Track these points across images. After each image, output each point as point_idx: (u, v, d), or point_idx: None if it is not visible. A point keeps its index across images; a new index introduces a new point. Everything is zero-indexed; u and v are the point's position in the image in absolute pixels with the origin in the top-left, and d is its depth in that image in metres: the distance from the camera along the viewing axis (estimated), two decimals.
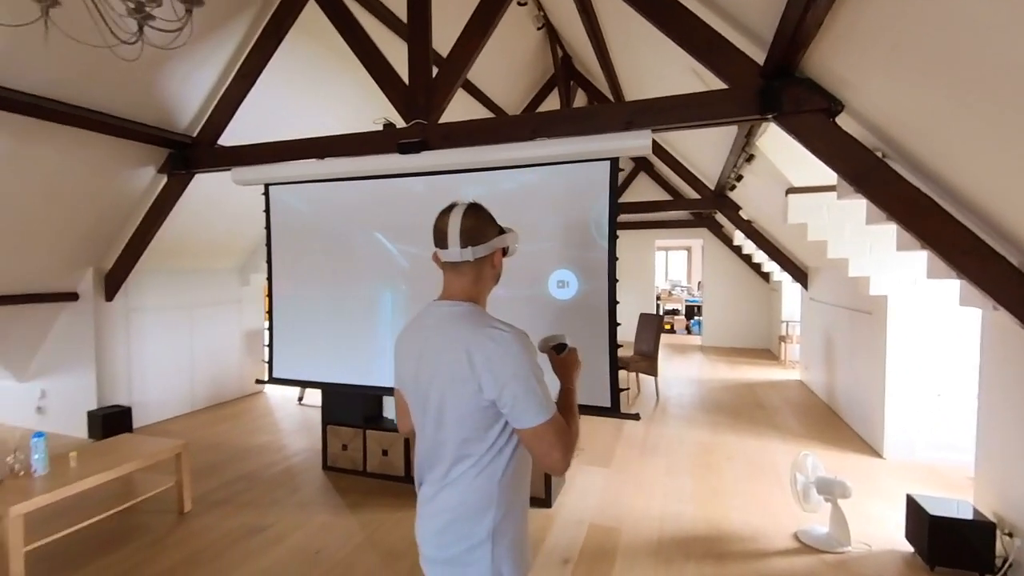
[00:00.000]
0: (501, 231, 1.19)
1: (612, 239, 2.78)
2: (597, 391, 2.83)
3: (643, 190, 9.18)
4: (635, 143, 2.71)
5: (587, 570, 2.47)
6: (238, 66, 3.66)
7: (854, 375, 4.49)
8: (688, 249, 13.71)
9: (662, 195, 9.04)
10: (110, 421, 4.15)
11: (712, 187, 6.32)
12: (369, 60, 3.28)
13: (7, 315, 4.04)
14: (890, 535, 2.73)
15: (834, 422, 4.68)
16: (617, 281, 2.80)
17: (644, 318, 5.92)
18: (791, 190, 3.86)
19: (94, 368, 4.27)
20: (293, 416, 5.01)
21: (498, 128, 3.02)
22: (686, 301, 11.22)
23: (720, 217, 7.60)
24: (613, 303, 2.80)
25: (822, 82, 2.31)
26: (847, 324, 4.70)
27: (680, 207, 7.54)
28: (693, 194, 7.10)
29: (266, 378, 3.63)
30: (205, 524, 2.91)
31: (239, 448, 4.11)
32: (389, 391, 3.24)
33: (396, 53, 3.33)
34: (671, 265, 13.80)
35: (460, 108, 5.41)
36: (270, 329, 3.60)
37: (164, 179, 3.94)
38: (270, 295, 3.59)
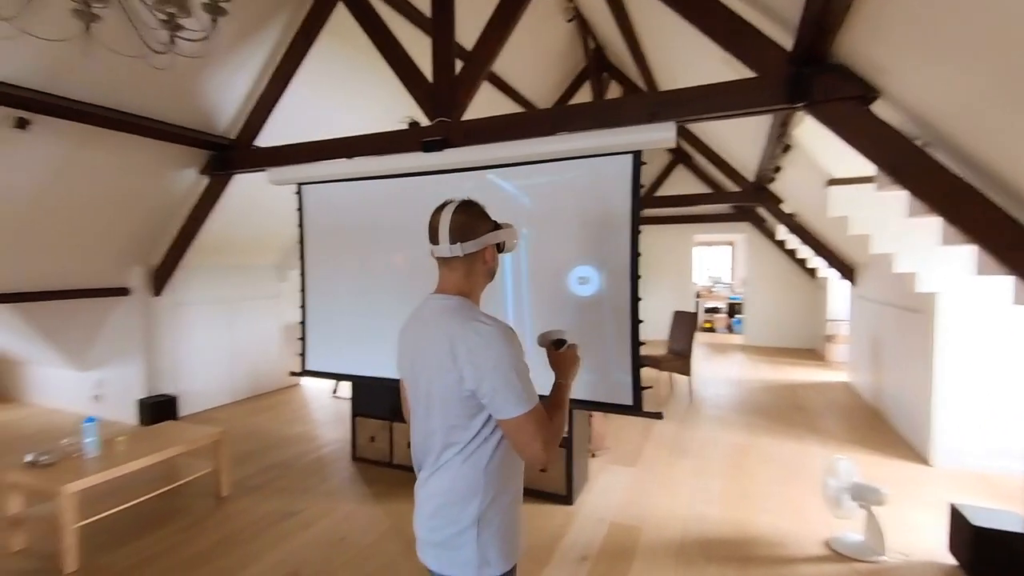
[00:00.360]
0: (497, 227, 1.23)
1: (635, 234, 2.76)
2: (619, 389, 2.82)
3: (680, 183, 8.97)
4: (658, 135, 2.68)
5: (605, 569, 2.47)
6: (272, 70, 3.83)
7: (901, 377, 4.27)
8: (731, 244, 13.31)
9: (701, 188, 8.82)
10: (157, 409, 4.44)
11: (752, 179, 6.13)
12: (394, 59, 3.37)
13: (67, 309, 4.39)
14: (932, 546, 2.60)
15: (880, 426, 4.47)
16: (640, 277, 2.78)
17: (678, 316, 5.82)
18: (831, 181, 3.71)
19: (143, 359, 4.58)
20: (327, 408, 5.22)
21: (519, 123, 3.04)
22: (728, 298, 10.92)
23: (763, 211, 7.36)
24: (635, 300, 2.78)
25: (855, 68, 2.22)
26: (894, 323, 4.47)
27: (718, 200, 7.34)
28: (734, 187, 6.91)
29: (300, 370, 3.81)
30: (241, 508, 3.09)
31: (275, 437, 4.32)
32: None
33: (422, 51, 3.40)
34: (712, 261, 13.42)
35: (488, 103, 5.45)
36: (302, 323, 3.77)
37: (206, 180, 4.17)
38: (303, 290, 3.75)
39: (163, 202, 4.17)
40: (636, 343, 2.79)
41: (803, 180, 4.38)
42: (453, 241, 1.16)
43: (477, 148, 3.09)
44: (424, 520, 1.17)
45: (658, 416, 2.81)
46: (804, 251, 6.84)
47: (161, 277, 4.58)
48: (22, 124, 2.97)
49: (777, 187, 5.64)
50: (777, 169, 4.57)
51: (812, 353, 8.01)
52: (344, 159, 3.50)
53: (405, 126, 3.39)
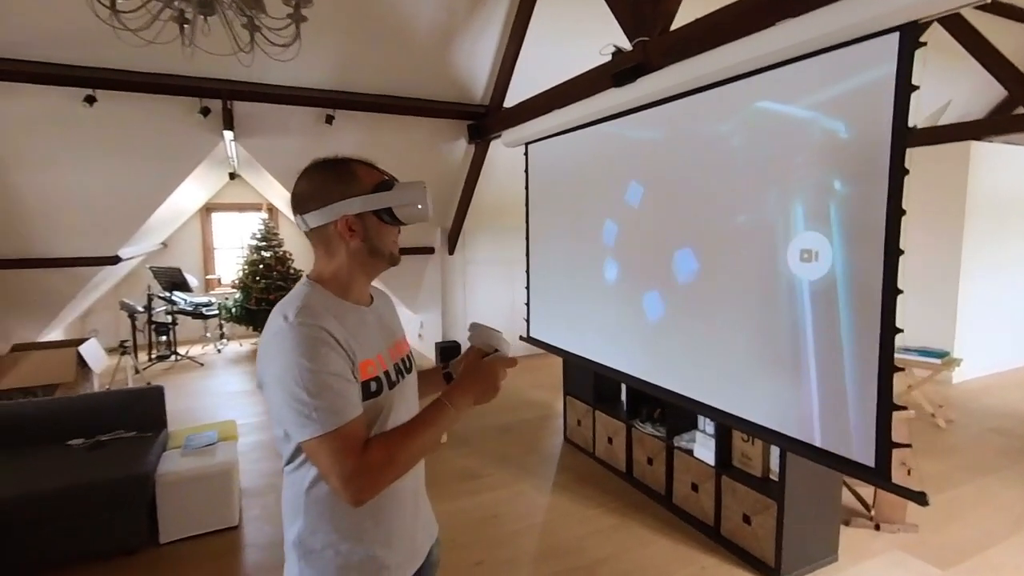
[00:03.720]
0: (383, 187, 1.05)
1: (895, 180, 1.73)
2: (855, 438, 1.89)
3: None
4: None
5: None
6: (510, 28, 4.04)
7: None
8: None
9: None
10: (446, 353, 5.61)
11: None
12: None
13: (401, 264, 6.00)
14: None
15: None
16: (902, 252, 1.75)
17: None
18: None
19: (440, 309, 5.84)
20: None
21: (725, 23, 2.29)
22: None
23: None
24: (893, 289, 1.77)
25: None
26: None
27: None
28: None
29: (526, 335, 4.09)
30: (447, 456, 3.65)
31: (516, 399, 4.80)
32: (617, 372, 3.08)
33: None
34: None
35: None
36: (527, 288, 4.00)
37: (472, 148, 4.86)
38: (528, 255, 3.96)
39: (445, 170, 5.10)
40: (888, 365, 1.79)
41: None
42: (295, 212, 1.06)
43: (676, 69, 2.52)
44: None
45: (921, 500, 1.75)
46: None
47: (452, 238, 5.67)
48: (329, 120, 4.16)
49: None
50: None
51: None
52: (556, 110, 3.43)
53: (609, 57, 3.04)
